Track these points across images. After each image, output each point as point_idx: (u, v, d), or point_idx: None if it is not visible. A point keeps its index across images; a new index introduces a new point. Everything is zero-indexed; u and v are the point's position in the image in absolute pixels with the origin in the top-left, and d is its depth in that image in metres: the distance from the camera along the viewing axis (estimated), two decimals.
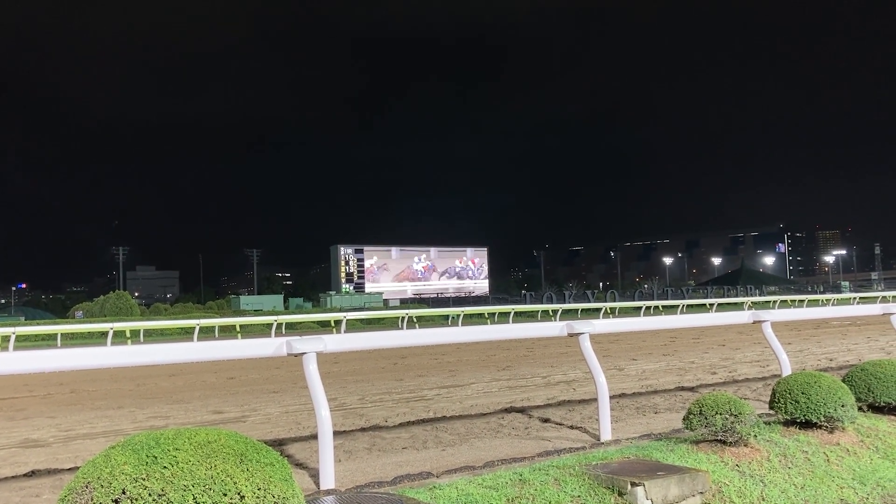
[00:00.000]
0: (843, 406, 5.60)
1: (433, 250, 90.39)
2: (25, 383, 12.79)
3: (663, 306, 44.73)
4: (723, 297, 58.85)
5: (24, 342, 29.27)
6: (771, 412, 5.99)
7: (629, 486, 4.24)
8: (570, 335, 6.29)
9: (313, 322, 36.08)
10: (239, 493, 2.76)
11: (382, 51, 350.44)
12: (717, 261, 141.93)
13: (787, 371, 7.47)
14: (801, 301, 47.68)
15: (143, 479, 2.71)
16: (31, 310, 73.92)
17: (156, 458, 2.79)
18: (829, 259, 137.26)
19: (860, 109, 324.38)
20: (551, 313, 40.15)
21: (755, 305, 42.79)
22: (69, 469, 5.43)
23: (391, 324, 36.36)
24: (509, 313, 37.78)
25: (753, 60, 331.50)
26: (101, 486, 2.71)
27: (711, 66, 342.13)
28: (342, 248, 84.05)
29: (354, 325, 35.50)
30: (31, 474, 5.37)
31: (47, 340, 31.01)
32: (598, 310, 40.07)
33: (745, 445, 5.16)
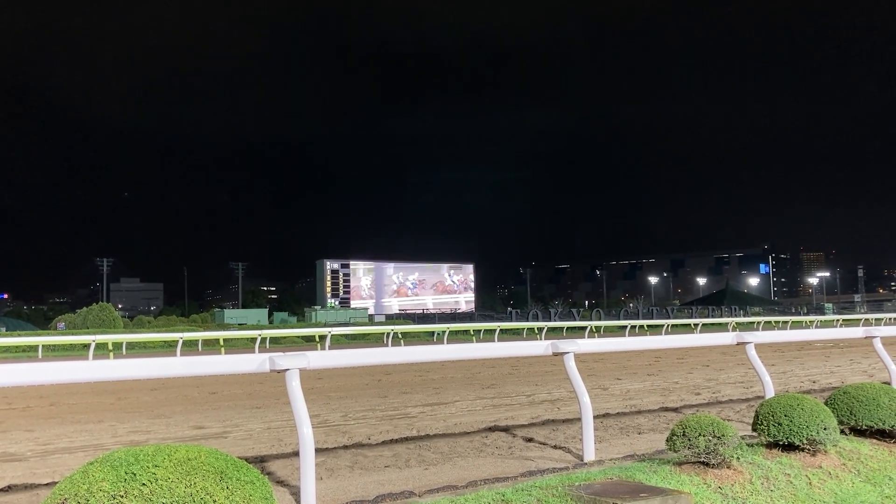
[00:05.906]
0: (825, 429, 5.63)
1: (419, 266, 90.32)
2: (4, 396, 12.62)
3: (648, 326, 44.91)
4: (707, 317, 59.13)
5: (5, 353, 28.97)
6: (754, 434, 6.01)
7: None
8: (555, 354, 6.29)
9: (298, 337, 35.90)
10: None
11: (374, 63, 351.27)
12: (702, 281, 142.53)
13: (770, 393, 7.50)
14: (785, 322, 48.00)
15: (122, 497, 2.69)
16: (12, 320, 72.96)
17: (134, 475, 2.77)
18: (813, 281, 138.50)
19: (846, 133, 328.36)
20: (537, 331, 40.19)
21: (739, 326, 43.04)
22: (46, 484, 5.34)
23: (376, 339, 36.25)
24: (495, 330, 37.77)
25: (741, 84, 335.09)
26: (78, 503, 2.68)
27: (698, 88, 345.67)
28: (328, 263, 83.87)
29: (339, 341, 35.36)
30: (7, 489, 5.28)
31: (28, 352, 30.69)
32: (584, 328, 40.13)
33: (728, 467, 5.17)
